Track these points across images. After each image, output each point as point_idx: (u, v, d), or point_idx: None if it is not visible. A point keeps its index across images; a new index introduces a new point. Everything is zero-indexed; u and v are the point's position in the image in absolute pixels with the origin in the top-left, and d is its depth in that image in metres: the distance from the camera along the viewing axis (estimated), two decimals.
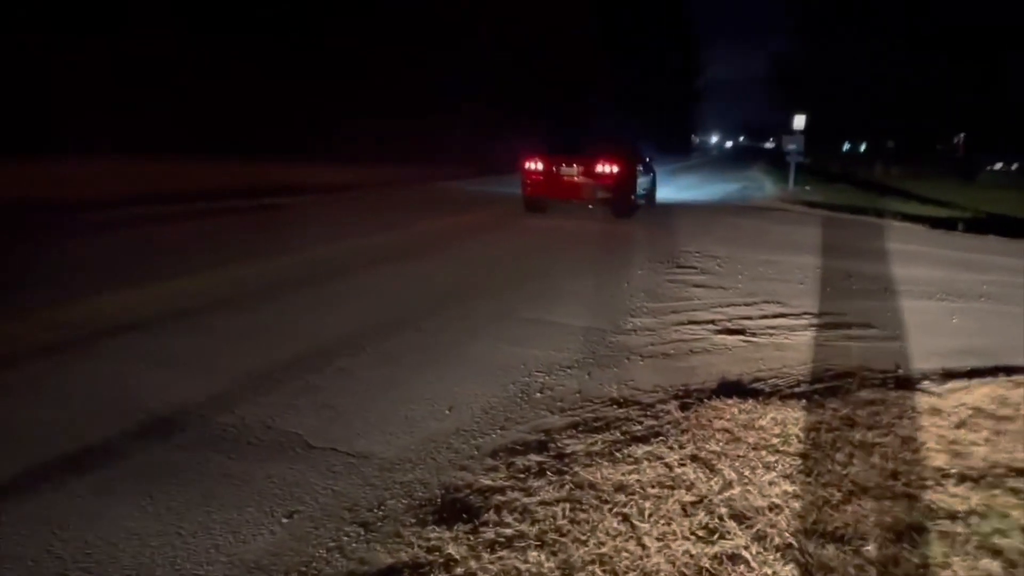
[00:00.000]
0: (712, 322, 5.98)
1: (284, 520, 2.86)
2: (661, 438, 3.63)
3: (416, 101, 28.61)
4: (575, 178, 12.88)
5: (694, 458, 3.43)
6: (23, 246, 8.76)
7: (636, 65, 49.65)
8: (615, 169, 12.71)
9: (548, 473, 3.22)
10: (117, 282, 6.70)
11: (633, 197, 13.63)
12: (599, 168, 12.71)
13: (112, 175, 15.52)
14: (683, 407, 4.06)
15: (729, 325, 5.90)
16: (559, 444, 3.55)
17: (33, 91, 20.59)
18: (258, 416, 3.84)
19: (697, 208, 17.48)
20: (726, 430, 3.75)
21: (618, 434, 3.68)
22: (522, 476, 3.20)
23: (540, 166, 13.15)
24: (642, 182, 14.48)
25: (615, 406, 4.11)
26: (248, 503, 2.97)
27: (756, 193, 23.02)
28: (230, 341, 5.15)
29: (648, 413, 3.99)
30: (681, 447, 3.53)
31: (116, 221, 11.03)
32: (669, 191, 20.70)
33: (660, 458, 3.41)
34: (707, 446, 3.55)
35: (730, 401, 4.13)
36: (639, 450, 3.48)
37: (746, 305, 6.60)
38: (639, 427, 3.78)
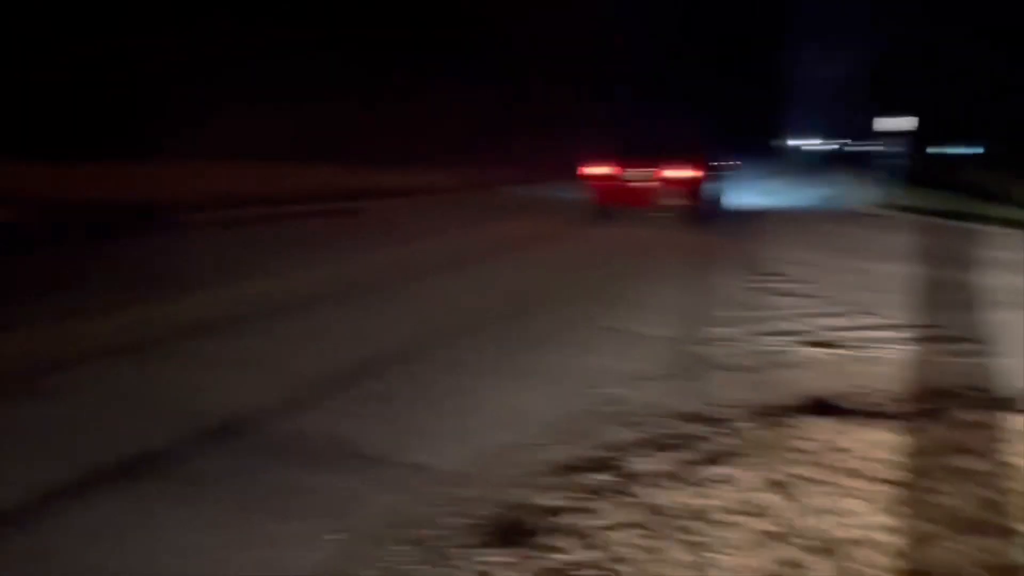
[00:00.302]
0: (798, 333, 5.64)
1: (335, 535, 2.74)
2: (737, 459, 3.36)
3: (486, 106, 28.40)
4: (646, 183, 12.11)
5: (773, 483, 3.16)
6: (115, 247, 9.05)
7: (722, 65, 48.49)
8: (691, 173, 11.97)
9: (613, 494, 3.01)
10: (197, 284, 6.80)
11: (712, 203, 12.89)
12: (673, 172, 11.95)
13: (196, 177, 16.00)
14: (763, 425, 3.78)
15: (816, 337, 5.55)
16: (626, 462, 3.33)
17: (140, 95, 21.44)
18: (316, 423, 3.76)
19: (783, 215, 16.52)
20: (808, 451, 3.47)
21: (691, 453, 3.44)
22: (584, 497, 3.00)
23: (607, 170, 12.42)
24: (722, 187, 13.73)
25: (689, 422, 3.86)
26: (298, 515, 2.86)
27: (848, 197, 22.09)
28: (300, 344, 5.12)
29: (725, 431, 3.73)
30: (759, 469, 3.26)
31: (204, 223, 11.33)
32: (754, 196, 19.93)
33: (736, 481, 3.16)
34: (788, 470, 3.27)
35: (815, 420, 3.83)
36: (713, 472, 3.23)
37: (835, 316, 6.22)
38: (714, 446, 3.52)
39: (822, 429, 3.68)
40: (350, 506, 2.95)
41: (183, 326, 5.47)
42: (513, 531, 2.75)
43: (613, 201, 12.52)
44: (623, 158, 12.42)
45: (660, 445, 3.55)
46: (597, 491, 3.05)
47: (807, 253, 9.65)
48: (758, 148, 65.01)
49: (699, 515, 2.86)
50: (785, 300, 6.81)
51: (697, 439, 3.63)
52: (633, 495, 3.00)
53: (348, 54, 24.28)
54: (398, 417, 3.87)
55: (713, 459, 3.37)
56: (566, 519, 2.82)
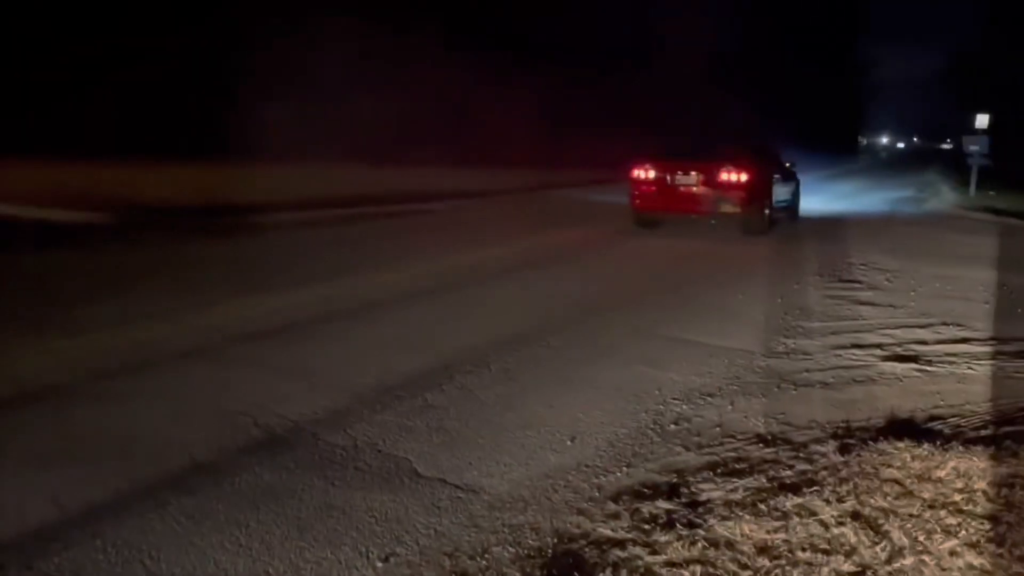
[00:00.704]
0: (879, 346, 5.29)
1: (379, 564, 2.60)
2: (816, 488, 3.10)
3: (556, 102, 27.96)
4: (694, 188, 10.93)
5: (856, 516, 2.89)
6: (191, 247, 9.18)
7: (803, 62, 47.20)
8: (744, 177, 10.67)
9: (678, 525, 2.79)
10: (257, 286, 6.80)
11: (768, 211, 11.48)
12: (724, 176, 10.73)
13: (268, 179, 16.23)
14: (843, 450, 3.50)
15: (900, 350, 5.19)
16: (693, 489, 3.11)
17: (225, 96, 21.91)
18: (369, 437, 3.64)
19: (856, 222, 14.83)
20: (896, 481, 3.17)
21: (763, 480, 3.19)
22: (647, 527, 2.79)
23: (652, 174, 11.23)
24: (780, 192, 12.32)
25: (761, 444, 3.60)
26: (344, 540, 2.73)
27: (931, 199, 21.13)
28: (356, 352, 5.03)
29: (800, 455, 3.46)
30: (840, 500, 3.00)
31: (276, 225, 11.44)
32: (827, 198, 19.15)
33: (814, 513, 2.89)
34: (872, 501, 3.00)
35: (901, 444, 3.52)
36: (788, 502, 2.98)
37: (920, 327, 5.83)
38: (789, 472, 3.27)
39: (912, 456, 3.38)
40: (402, 530, 2.80)
41: (253, 330, 5.44)
42: (571, 565, 2.56)
43: (657, 208, 11.42)
44: (667, 160, 11.37)
45: (729, 470, 3.32)
46: (661, 521, 2.84)
47: (887, 258, 9.16)
48: (848, 145, 63.12)
49: (774, 552, 2.62)
50: (864, 310, 6.43)
51: (770, 464, 3.38)
52: (700, 527, 2.78)
53: (415, 50, 24.14)
54: (452, 432, 3.72)
55: (789, 487, 3.12)
56: (627, 552, 2.61)
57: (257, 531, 2.78)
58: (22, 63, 18.68)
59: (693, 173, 10.94)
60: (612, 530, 2.78)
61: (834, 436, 3.71)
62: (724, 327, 5.83)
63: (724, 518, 2.84)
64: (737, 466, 3.35)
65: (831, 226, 13.61)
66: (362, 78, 22.65)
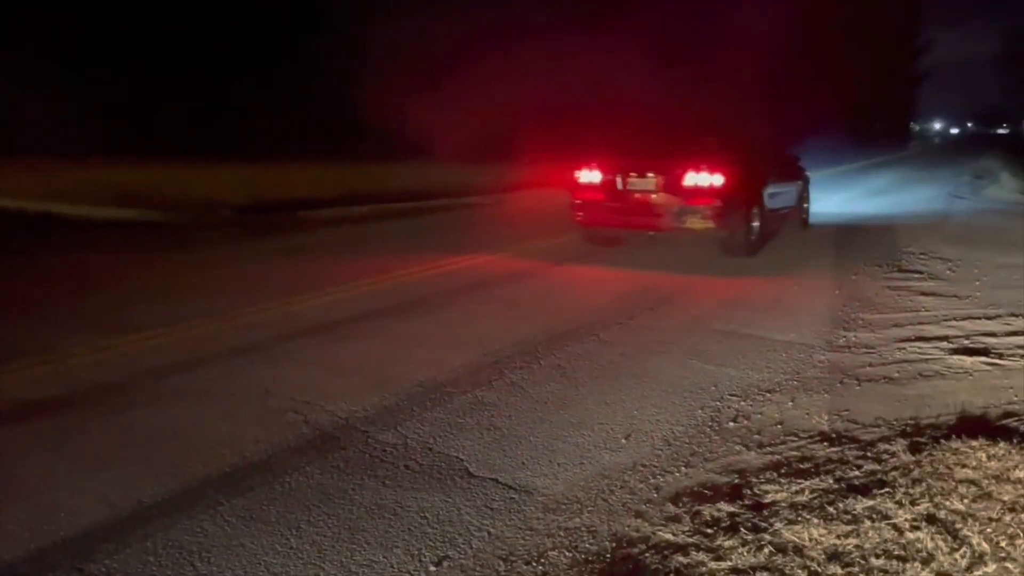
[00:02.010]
0: (945, 339, 5.06)
1: (432, 567, 2.52)
2: (887, 490, 2.94)
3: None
4: (652, 195, 7.96)
5: (931, 519, 2.73)
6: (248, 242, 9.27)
7: (854, 45, 45.98)
8: (719, 179, 7.67)
9: (742, 529, 2.67)
10: (311, 283, 6.80)
11: (757, 223, 8.48)
12: (691, 178, 7.74)
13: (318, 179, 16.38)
14: (913, 448, 3.33)
15: (967, 343, 4.96)
16: (756, 490, 2.98)
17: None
18: (420, 435, 3.58)
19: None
20: (972, 482, 3.00)
21: (830, 481, 3.04)
22: (710, 531, 2.67)
23: (597, 177, 8.30)
24: (778, 195, 9.32)
25: (826, 443, 3.45)
26: (396, 542, 2.67)
27: (990, 186, 20.41)
28: (406, 347, 4.98)
29: (868, 454, 3.30)
30: (913, 503, 2.84)
31: (327, 221, 11.53)
32: (864, 192, 18.03)
33: (886, 517, 2.74)
34: (947, 503, 2.83)
35: (975, 443, 3.33)
36: (858, 504, 2.83)
37: (987, 319, 5.57)
38: (857, 473, 3.12)
39: (988, 455, 3.19)
40: (455, 532, 2.73)
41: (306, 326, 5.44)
42: (630, 571, 2.46)
43: (603, 222, 8.54)
44: (618, 157, 8.48)
45: (793, 470, 3.18)
46: (724, 525, 2.71)
47: (947, 247, 8.83)
48: (899, 132, 61.43)
49: (845, 559, 2.48)
50: (928, 300, 6.18)
51: (836, 464, 3.22)
52: (766, 531, 2.65)
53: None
54: (503, 430, 3.64)
55: (857, 489, 2.97)
56: (690, 558, 2.50)
57: (308, 533, 2.73)
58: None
59: (650, 175, 7.96)
60: (673, 534, 2.67)
61: (903, 434, 3.54)
62: (781, 319, 5.65)
63: (791, 522, 2.71)
64: (801, 466, 3.21)
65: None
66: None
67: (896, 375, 4.40)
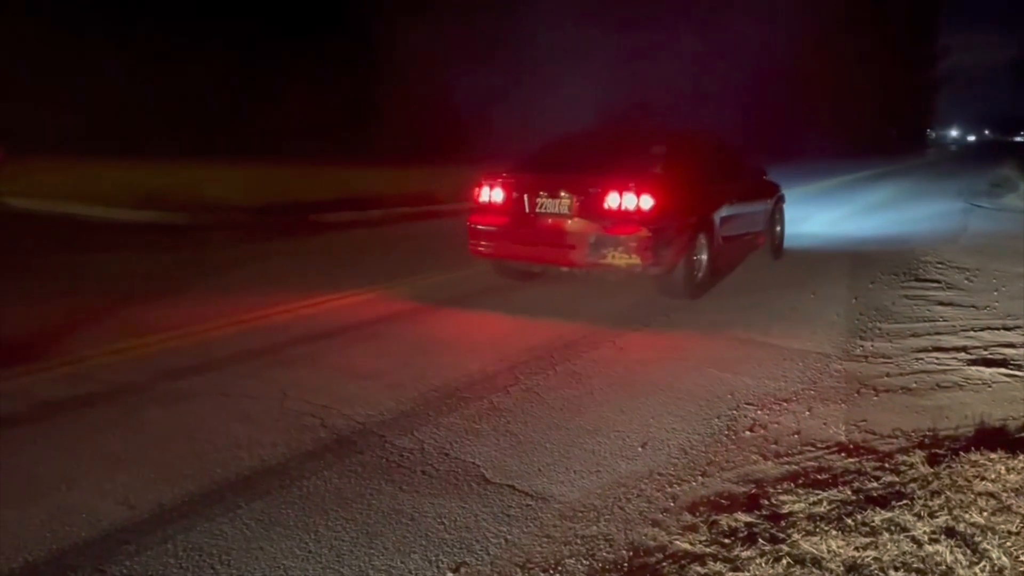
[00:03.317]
0: (964, 349, 5.03)
1: (450, 573, 2.53)
2: (905, 502, 2.93)
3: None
4: (566, 221, 6.24)
5: (950, 532, 2.72)
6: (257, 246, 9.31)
7: (869, 52, 45.77)
8: (648, 201, 5.96)
9: (760, 540, 2.66)
10: (323, 285, 6.83)
11: (705, 255, 6.73)
12: (612, 199, 6.04)
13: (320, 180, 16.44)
14: (932, 460, 3.31)
15: (986, 354, 4.92)
16: (773, 501, 2.97)
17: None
18: (437, 440, 3.59)
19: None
20: (991, 495, 2.98)
21: (848, 492, 3.03)
22: (727, 541, 2.67)
23: (501, 196, 6.57)
24: (738, 219, 7.59)
25: (843, 454, 3.44)
26: (414, 548, 2.68)
27: (1008, 195, 20.25)
28: (421, 352, 5.00)
29: (886, 466, 3.29)
30: (932, 515, 2.82)
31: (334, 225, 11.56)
32: (869, 205, 17.44)
33: (905, 529, 2.73)
34: (967, 516, 2.82)
35: (994, 456, 3.31)
36: (876, 516, 2.82)
37: (1006, 329, 5.53)
38: (875, 484, 3.10)
39: (1007, 467, 3.17)
40: (472, 539, 2.74)
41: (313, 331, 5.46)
42: None
43: (507, 252, 6.71)
44: (529, 174, 6.78)
45: (811, 481, 3.17)
46: (742, 535, 2.71)
47: (965, 256, 8.77)
48: (915, 139, 60.98)
49: (864, 571, 2.47)
50: (946, 310, 6.14)
51: (854, 475, 3.21)
52: (784, 542, 2.64)
53: None
54: (519, 436, 3.64)
55: (876, 500, 2.95)
56: (707, 569, 2.50)
57: (326, 537, 2.74)
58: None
59: (563, 195, 6.27)
60: (690, 544, 2.67)
61: (921, 446, 3.52)
62: (798, 328, 5.63)
63: (809, 533, 2.70)
64: (819, 477, 3.20)
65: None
66: None
67: (914, 386, 4.37)
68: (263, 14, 22.38)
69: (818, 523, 2.77)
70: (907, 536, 2.68)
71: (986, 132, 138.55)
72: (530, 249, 6.50)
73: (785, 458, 3.40)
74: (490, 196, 6.62)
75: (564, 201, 6.25)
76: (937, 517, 2.81)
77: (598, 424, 3.80)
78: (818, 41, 36.71)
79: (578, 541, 2.72)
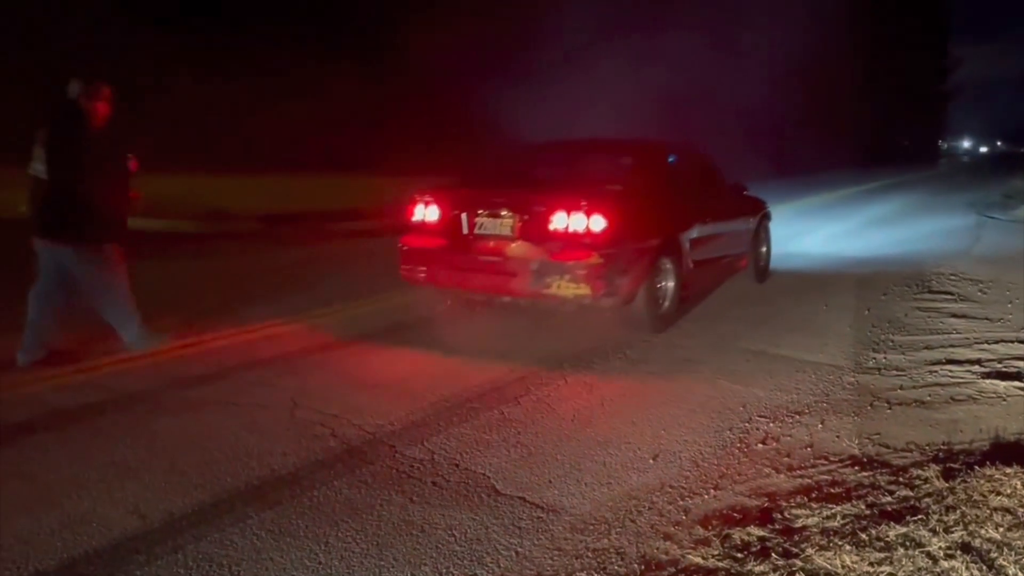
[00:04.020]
0: (978, 362, 4.99)
1: None
2: (920, 516, 2.90)
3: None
4: (509, 245, 5.38)
5: (966, 548, 2.68)
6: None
7: (880, 62, 45.66)
8: (600, 223, 5.16)
9: (773, 555, 2.64)
10: (330, 295, 6.85)
11: (672, 282, 5.95)
12: (559, 220, 5.24)
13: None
14: (947, 475, 3.27)
15: (1000, 367, 4.88)
16: (786, 515, 2.94)
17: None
18: (447, 451, 3.58)
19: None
20: (1007, 510, 2.95)
21: (862, 506, 3.00)
22: (740, 555, 2.64)
23: (436, 215, 5.76)
24: (713, 243, 6.79)
25: (856, 468, 3.41)
26: (425, 560, 2.66)
27: (1020, 206, 20.12)
28: (431, 362, 5.00)
29: (900, 480, 3.25)
30: (947, 531, 2.79)
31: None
32: (881, 215, 17.46)
33: (920, 545, 2.70)
34: (983, 532, 2.78)
35: (1010, 470, 3.26)
36: (891, 531, 2.79)
37: (1020, 342, 5.48)
38: (889, 499, 3.07)
39: (1020, 482, 3.13)
40: (482, 551, 2.72)
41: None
42: None
43: (441, 279, 5.81)
44: (468, 190, 6.09)
45: (824, 495, 3.14)
46: (755, 550, 2.69)
47: (978, 268, 8.72)
48: (927, 151, 60.67)
49: None
50: (959, 323, 6.10)
51: (868, 489, 3.18)
52: (797, 557, 2.61)
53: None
54: (530, 447, 3.63)
55: (890, 515, 2.92)
56: None
57: (337, 548, 2.73)
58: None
59: (505, 213, 5.47)
60: (702, 557, 2.64)
61: (935, 460, 3.48)
62: (810, 340, 5.61)
63: (822, 548, 2.67)
64: (832, 491, 3.17)
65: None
66: None
67: (928, 399, 4.34)
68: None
69: (832, 538, 2.75)
70: (922, 552, 2.65)
71: (998, 143, 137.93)
72: (467, 276, 5.62)
73: (798, 471, 3.38)
74: (424, 214, 5.80)
75: (506, 221, 5.45)
76: (953, 532, 2.78)
77: (609, 436, 3.79)
78: (829, 52, 36.65)
79: (589, 554, 2.70)
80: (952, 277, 8.14)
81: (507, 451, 3.60)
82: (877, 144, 46.67)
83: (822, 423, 3.97)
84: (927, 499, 3.05)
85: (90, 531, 2.84)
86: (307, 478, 3.29)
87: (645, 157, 6.65)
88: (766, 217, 8.38)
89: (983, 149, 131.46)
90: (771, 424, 3.95)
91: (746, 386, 4.54)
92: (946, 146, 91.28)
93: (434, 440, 3.71)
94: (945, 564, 2.58)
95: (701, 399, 4.32)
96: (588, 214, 5.16)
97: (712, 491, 3.19)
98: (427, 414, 4.05)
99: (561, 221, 5.21)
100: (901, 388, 4.52)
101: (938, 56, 62.27)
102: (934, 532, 2.78)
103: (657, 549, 2.72)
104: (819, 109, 37.48)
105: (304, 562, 2.64)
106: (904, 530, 2.79)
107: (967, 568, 2.55)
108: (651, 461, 3.50)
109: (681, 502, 3.09)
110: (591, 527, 2.90)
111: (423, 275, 5.79)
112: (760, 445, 3.69)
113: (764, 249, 8.33)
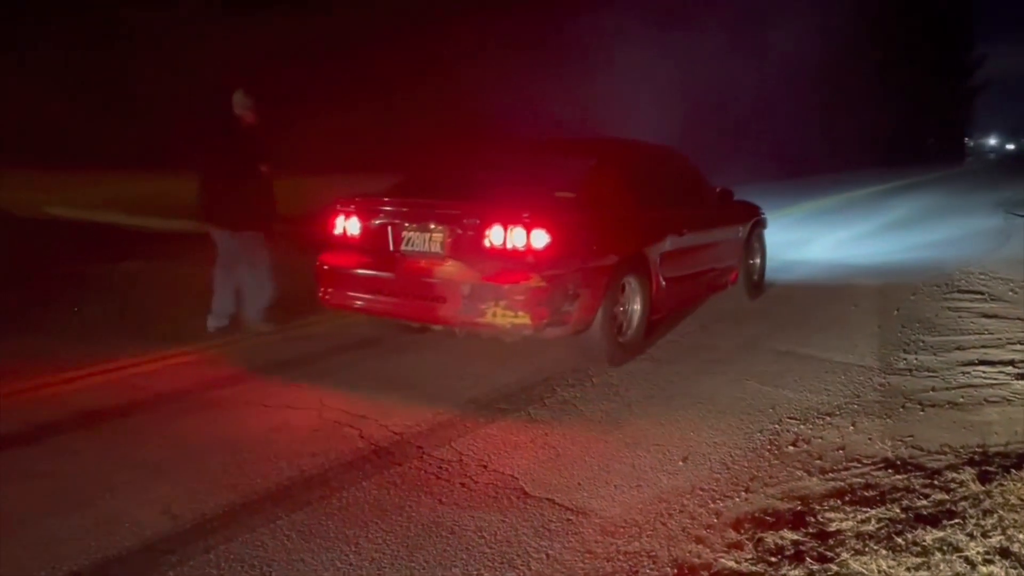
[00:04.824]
0: (1011, 363, 4.90)
1: None
2: (956, 521, 2.85)
3: None
4: (439, 264, 4.65)
5: (1004, 553, 2.64)
6: None
7: (904, 58, 45.07)
8: (543, 238, 4.38)
9: (808, 559, 2.60)
10: None
11: (631, 306, 5.14)
12: (496, 236, 4.48)
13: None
14: (983, 478, 3.22)
15: None
16: (820, 518, 2.90)
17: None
18: (475, 453, 3.58)
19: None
20: None
21: (897, 510, 2.96)
22: (774, 560, 2.61)
23: (357, 228, 5.00)
24: (693, 256, 5.92)
25: (890, 470, 3.36)
26: (455, 562, 2.66)
27: None
28: (458, 362, 5.00)
29: (935, 483, 3.20)
30: (985, 535, 2.74)
31: None
32: (903, 216, 16.91)
33: (957, 549, 2.65)
34: (1021, 536, 2.73)
35: None
36: (927, 535, 2.74)
37: None
38: (925, 502, 3.02)
39: None
40: (513, 553, 2.71)
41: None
42: None
43: (361, 305, 4.96)
44: (395, 199, 5.13)
45: (858, 498, 3.09)
46: (788, 554, 2.65)
47: (1008, 268, 8.56)
48: (952, 148, 59.76)
49: None
50: (991, 323, 6.00)
51: (903, 492, 3.13)
52: (832, 562, 2.58)
53: None
54: (558, 449, 3.61)
55: (926, 519, 2.88)
56: None
57: (367, 549, 2.73)
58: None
59: (434, 227, 4.72)
60: (735, 561, 2.62)
61: (971, 463, 3.43)
62: (839, 340, 5.55)
63: (857, 552, 2.63)
64: (866, 494, 3.12)
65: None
66: None
67: (960, 400, 4.27)
68: None
69: (867, 542, 2.71)
70: (960, 556, 2.60)
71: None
72: (392, 301, 4.79)
73: (830, 474, 3.33)
74: (345, 227, 5.02)
75: (435, 236, 4.67)
76: (990, 537, 2.73)
77: (637, 438, 3.76)
78: (852, 50, 36.27)
79: (620, 557, 2.68)
80: (982, 276, 8.01)
81: (535, 452, 3.59)
82: (901, 142, 46.10)
83: (853, 425, 3.92)
84: (963, 503, 3.00)
85: (122, 531, 2.86)
86: (336, 479, 3.30)
87: (607, 159, 5.65)
88: (759, 225, 7.30)
89: (1010, 146, 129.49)
90: (801, 426, 3.91)
91: (774, 387, 4.51)
92: (972, 144, 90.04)
93: (461, 441, 3.71)
94: (984, 570, 2.53)
95: (730, 401, 4.29)
96: (529, 228, 4.39)
97: (743, 494, 3.16)
98: (454, 415, 4.05)
99: (497, 236, 4.45)
100: (933, 389, 4.46)
101: (964, 53, 61.43)
102: (971, 536, 2.73)
103: (689, 553, 2.70)
104: (842, 108, 37.09)
105: (335, 563, 2.64)
106: (941, 534, 2.75)
107: (1006, 573, 2.51)
108: (680, 463, 3.47)
109: (712, 505, 3.06)
110: (622, 530, 2.88)
111: (342, 299, 5.01)
112: (791, 447, 3.65)
113: (757, 261, 7.33)
